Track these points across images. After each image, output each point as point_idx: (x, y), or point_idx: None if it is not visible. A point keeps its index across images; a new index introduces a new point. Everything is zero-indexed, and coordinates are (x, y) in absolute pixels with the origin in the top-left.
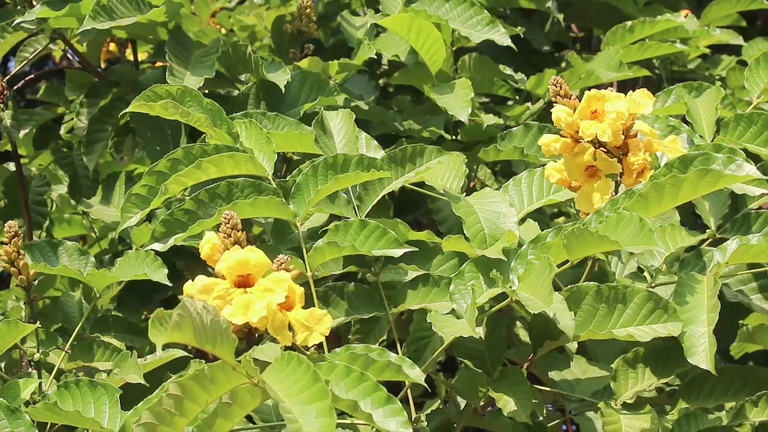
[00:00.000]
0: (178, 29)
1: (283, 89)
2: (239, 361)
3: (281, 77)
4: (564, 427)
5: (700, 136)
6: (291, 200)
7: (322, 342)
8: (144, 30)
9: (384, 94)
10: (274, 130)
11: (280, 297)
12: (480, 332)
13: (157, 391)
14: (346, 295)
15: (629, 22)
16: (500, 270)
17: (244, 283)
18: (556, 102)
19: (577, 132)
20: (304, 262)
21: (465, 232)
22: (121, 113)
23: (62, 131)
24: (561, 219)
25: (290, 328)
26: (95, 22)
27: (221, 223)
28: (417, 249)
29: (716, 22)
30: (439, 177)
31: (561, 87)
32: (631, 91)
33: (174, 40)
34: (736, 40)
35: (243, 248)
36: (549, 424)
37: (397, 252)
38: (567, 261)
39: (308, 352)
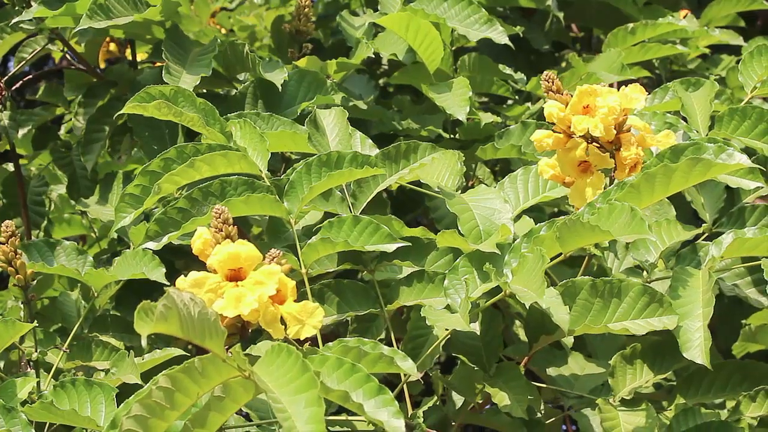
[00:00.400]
0: (175, 28)
1: (280, 88)
2: (230, 354)
3: (278, 76)
4: (564, 427)
5: (696, 131)
6: (285, 198)
7: (317, 338)
8: (142, 29)
9: (384, 93)
10: (268, 129)
11: (271, 289)
12: (475, 327)
13: (148, 384)
14: (341, 293)
15: (631, 25)
16: (494, 264)
17: (235, 276)
18: (548, 97)
19: (570, 127)
20: (298, 259)
21: (460, 228)
22: (116, 114)
23: (62, 131)
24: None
25: (283, 321)
26: (92, 20)
27: (213, 219)
28: (410, 244)
29: (716, 22)
30: (435, 175)
31: (553, 82)
32: (623, 86)
33: (171, 39)
34: (736, 40)
35: (234, 242)
36: (547, 421)
37: (391, 247)
38: (561, 254)
39: (303, 347)
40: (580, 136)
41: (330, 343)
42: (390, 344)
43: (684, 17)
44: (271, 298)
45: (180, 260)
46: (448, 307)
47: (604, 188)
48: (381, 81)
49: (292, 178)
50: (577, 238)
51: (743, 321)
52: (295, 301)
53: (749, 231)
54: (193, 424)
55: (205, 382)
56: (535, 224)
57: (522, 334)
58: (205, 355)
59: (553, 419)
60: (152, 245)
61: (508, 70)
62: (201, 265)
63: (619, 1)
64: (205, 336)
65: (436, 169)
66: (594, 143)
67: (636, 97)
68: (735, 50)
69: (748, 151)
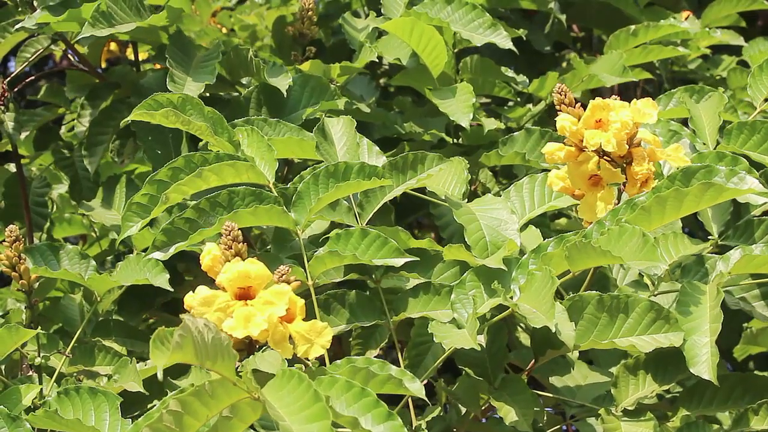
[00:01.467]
0: (178, 33)
1: (285, 94)
2: (239, 376)
3: (283, 81)
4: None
5: (703, 143)
6: (292, 208)
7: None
8: (144, 33)
9: (385, 93)
10: (275, 136)
11: (280, 310)
12: (480, 340)
13: (157, 406)
14: (347, 303)
15: (633, 27)
16: (501, 279)
17: (244, 295)
18: (560, 110)
19: (581, 141)
20: (305, 270)
21: (466, 239)
22: (122, 122)
23: (63, 131)
24: (563, 220)
25: (291, 340)
26: (94, 29)
27: (222, 234)
28: (418, 258)
29: (716, 23)
30: (441, 183)
31: (566, 95)
32: (635, 100)
33: (174, 45)
34: (737, 40)
35: (244, 260)
36: (549, 430)
37: (398, 261)
38: (569, 271)
39: (309, 363)
40: (592, 150)
41: (338, 362)
42: (393, 349)
43: (686, 19)
44: (280, 317)
45: (182, 263)
46: (454, 321)
47: (615, 202)
48: (382, 81)
49: (299, 188)
50: (586, 259)
51: (745, 324)
52: (303, 318)
53: (757, 248)
54: None
55: (215, 404)
56: (538, 230)
57: (524, 339)
58: (215, 378)
59: (555, 428)
60: (159, 255)
61: (510, 73)
62: (205, 273)
63: (620, 2)
64: (217, 360)
65: (443, 176)
66: (605, 157)
67: (648, 112)
68: (735, 50)
69: (757, 166)
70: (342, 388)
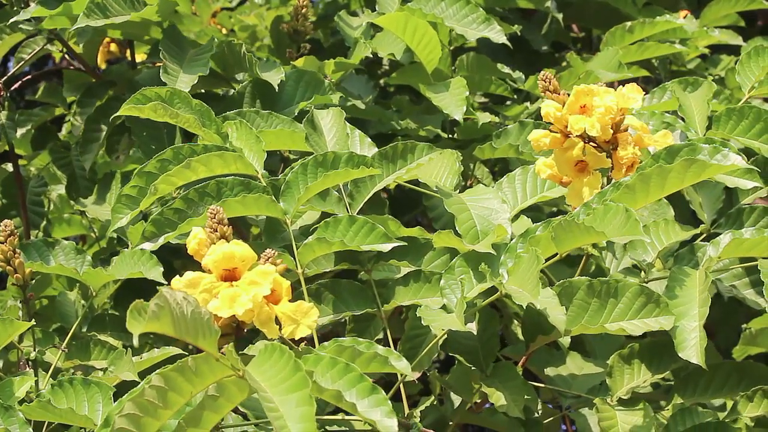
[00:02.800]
0: (172, 28)
1: (277, 88)
2: (224, 354)
3: (275, 76)
4: (563, 427)
5: (694, 131)
6: (281, 198)
7: (312, 337)
8: (140, 29)
9: (384, 94)
10: (267, 127)
11: (265, 289)
12: (472, 327)
13: (141, 382)
14: (338, 292)
15: (628, 23)
16: (490, 264)
17: (230, 276)
18: (545, 97)
19: (567, 127)
20: (294, 259)
21: (457, 227)
22: (112, 116)
23: (62, 132)
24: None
25: (278, 321)
26: (89, 19)
27: (208, 219)
28: (407, 244)
29: (715, 22)
30: (433, 174)
31: (550, 82)
32: (620, 86)
33: (168, 39)
34: (736, 40)
35: (229, 242)
36: (545, 421)
37: (386, 246)
38: (557, 254)
39: (298, 347)
40: (577, 136)
41: (325, 343)
42: (387, 344)
43: (684, 17)
44: (266, 298)
45: (178, 260)
46: (444, 307)
47: (602, 188)
48: (381, 81)
49: (288, 178)
50: (572, 238)
51: (744, 325)
52: (290, 301)
53: (747, 232)
54: (187, 423)
55: (199, 381)
56: (530, 219)
57: (519, 333)
58: (199, 354)
59: (551, 419)
60: (149, 246)
61: (506, 69)
62: (199, 266)
63: (618, 1)
64: (198, 335)
65: (435, 168)
66: (591, 143)
67: (633, 97)
68: (734, 50)
69: (747, 152)
70: (327, 365)
